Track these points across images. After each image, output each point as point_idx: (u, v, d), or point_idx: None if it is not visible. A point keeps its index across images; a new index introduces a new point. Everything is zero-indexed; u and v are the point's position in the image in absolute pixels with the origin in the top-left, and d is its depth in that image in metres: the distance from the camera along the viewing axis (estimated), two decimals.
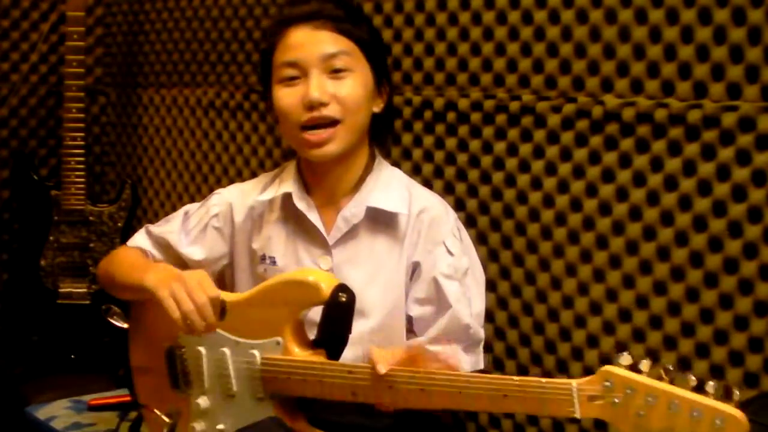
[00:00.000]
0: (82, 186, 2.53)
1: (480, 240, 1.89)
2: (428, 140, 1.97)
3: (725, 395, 1.12)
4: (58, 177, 2.58)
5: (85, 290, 2.55)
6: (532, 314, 1.82)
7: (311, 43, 1.59)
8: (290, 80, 1.61)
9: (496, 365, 1.87)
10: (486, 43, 1.85)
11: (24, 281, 2.58)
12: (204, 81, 2.53)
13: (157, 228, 1.78)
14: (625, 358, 1.19)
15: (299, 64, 1.59)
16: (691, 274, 1.59)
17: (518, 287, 1.85)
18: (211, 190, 2.50)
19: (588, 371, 1.73)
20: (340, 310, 1.50)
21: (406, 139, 2.01)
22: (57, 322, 2.55)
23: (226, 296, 1.58)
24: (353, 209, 1.63)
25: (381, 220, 1.63)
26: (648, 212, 1.64)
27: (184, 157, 2.63)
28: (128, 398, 2.14)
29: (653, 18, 1.60)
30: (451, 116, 1.92)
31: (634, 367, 1.19)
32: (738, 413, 1.11)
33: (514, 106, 1.81)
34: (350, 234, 1.64)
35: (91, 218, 2.56)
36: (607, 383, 1.19)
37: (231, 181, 2.46)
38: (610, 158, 1.68)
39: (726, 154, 1.53)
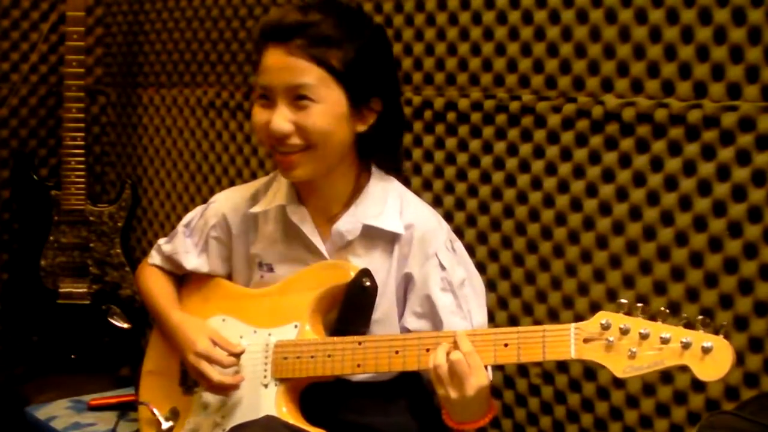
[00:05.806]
0: (82, 186, 2.53)
1: (480, 240, 1.89)
2: (428, 140, 1.97)
3: (714, 332, 1.22)
4: (58, 177, 2.58)
5: (85, 290, 2.55)
6: (532, 314, 1.82)
7: (279, 69, 1.52)
8: (264, 101, 1.56)
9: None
10: (486, 43, 1.85)
11: (24, 281, 2.57)
12: (204, 81, 2.53)
13: (166, 245, 1.80)
14: (621, 306, 1.29)
15: (267, 90, 1.55)
16: (691, 274, 1.59)
17: (518, 287, 1.84)
18: (211, 190, 2.53)
19: (588, 371, 1.74)
20: (362, 294, 1.55)
21: (406, 139, 2.00)
22: (57, 322, 2.55)
23: (246, 290, 1.68)
24: (348, 225, 1.60)
25: (375, 235, 1.61)
26: (648, 212, 1.64)
27: (184, 157, 2.63)
28: (128, 398, 2.14)
29: (653, 18, 1.60)
30: (451, 116, 1.92)
31: (628, 313, 1.29)
32: (725, 341, 1.21)
33: (514, 106, 1.81)
34: (345, 246, 1.62)
35: (91, 218, 2.56)
36: (603, 322, 1.28)
37: (231, 182, 2.46)
38: (610, 158, 1.68)
39: (726, 154, 1.53)
